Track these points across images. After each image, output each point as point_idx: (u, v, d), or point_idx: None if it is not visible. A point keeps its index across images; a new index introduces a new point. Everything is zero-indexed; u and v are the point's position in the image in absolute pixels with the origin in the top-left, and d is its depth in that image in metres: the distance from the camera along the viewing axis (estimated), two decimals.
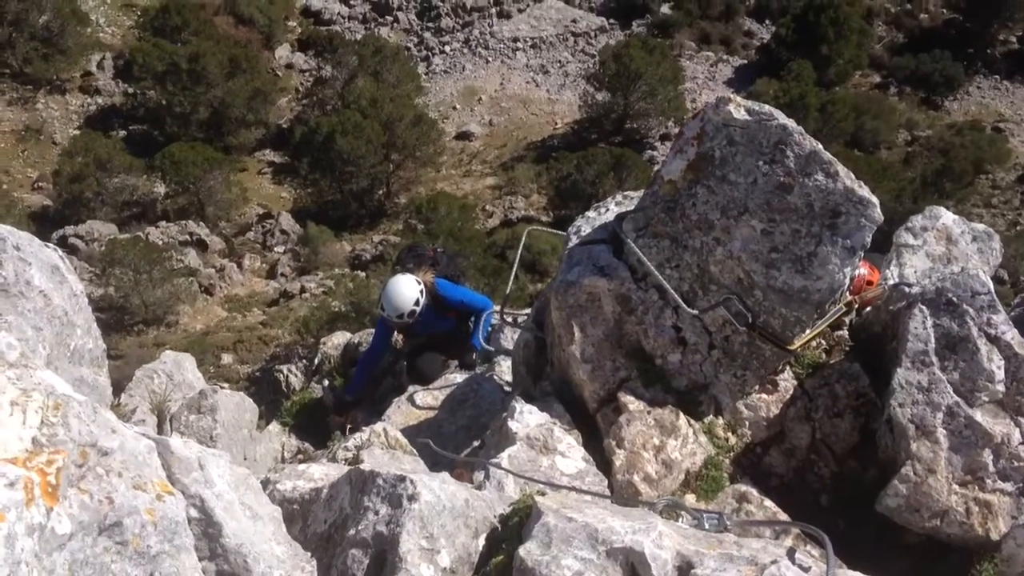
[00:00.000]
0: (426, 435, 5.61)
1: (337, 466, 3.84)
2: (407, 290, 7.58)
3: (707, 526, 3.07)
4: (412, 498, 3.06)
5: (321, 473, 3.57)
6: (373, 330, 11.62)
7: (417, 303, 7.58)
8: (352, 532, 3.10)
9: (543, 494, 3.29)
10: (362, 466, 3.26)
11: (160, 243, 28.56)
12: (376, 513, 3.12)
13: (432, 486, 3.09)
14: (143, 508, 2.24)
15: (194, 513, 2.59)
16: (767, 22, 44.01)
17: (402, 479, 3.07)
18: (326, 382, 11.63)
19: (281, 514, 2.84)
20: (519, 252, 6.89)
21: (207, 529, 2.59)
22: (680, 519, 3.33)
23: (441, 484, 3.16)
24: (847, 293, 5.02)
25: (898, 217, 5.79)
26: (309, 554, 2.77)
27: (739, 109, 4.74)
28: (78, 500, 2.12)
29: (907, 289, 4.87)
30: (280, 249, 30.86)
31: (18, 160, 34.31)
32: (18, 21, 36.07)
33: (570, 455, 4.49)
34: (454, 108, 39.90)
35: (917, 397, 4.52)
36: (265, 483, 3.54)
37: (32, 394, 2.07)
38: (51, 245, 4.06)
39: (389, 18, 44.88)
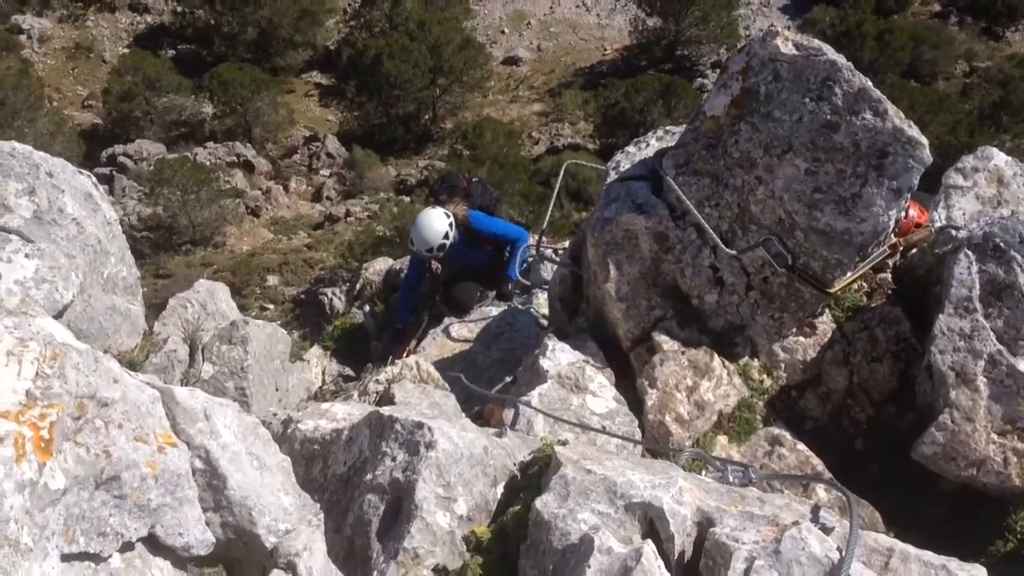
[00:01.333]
0: (460, 368, 5.61)
1: (360, 406, 3.83)
2: (437, 223, 7.57)
3: (731, 479, 3.03)
4: (429, 445, 3.05)
5: (344, 413, 3.57)
6: None
7: (447, 236, 7.58)
8: (369, 477, 3.09)
9: (564, 443, 3.27)
10: (382, 410, 3.24)
11: (207, 164, 28.73)
12: (394, 459, 3.13)
13: (450, 434, 3.07)
14: (143, 461, 2.23)
15: (199, 464, 2.57)
16: None
17: (420, 426, 3.05)
18: (367, 307, 11.71)
19: (291, 464, 2.84)
20: (557, 188, 6.79)
21: (212, 480, 2.59)
22: (704, 471, 3.29)
23: (460, 432, 3.14)
24: (892, 235, 4.89)
25: (953, 151, 5.62)
26: (318, 506, 2.77)
27: (787, 43, 4.58)
28: (74, 454, 2.11)
29: (954, 232, 4.74)
30: (326, 172, 30.90)
31: (69, 78, 34.55)
32: None
33: (601, 394, 4.46)
34: (502, 32, 39.35)
35: (959, 344, 4.42)
36: (287, 421, 3.55)
37: (29, 344, 2.05)
38: (85, 172, 4.05)
39: None
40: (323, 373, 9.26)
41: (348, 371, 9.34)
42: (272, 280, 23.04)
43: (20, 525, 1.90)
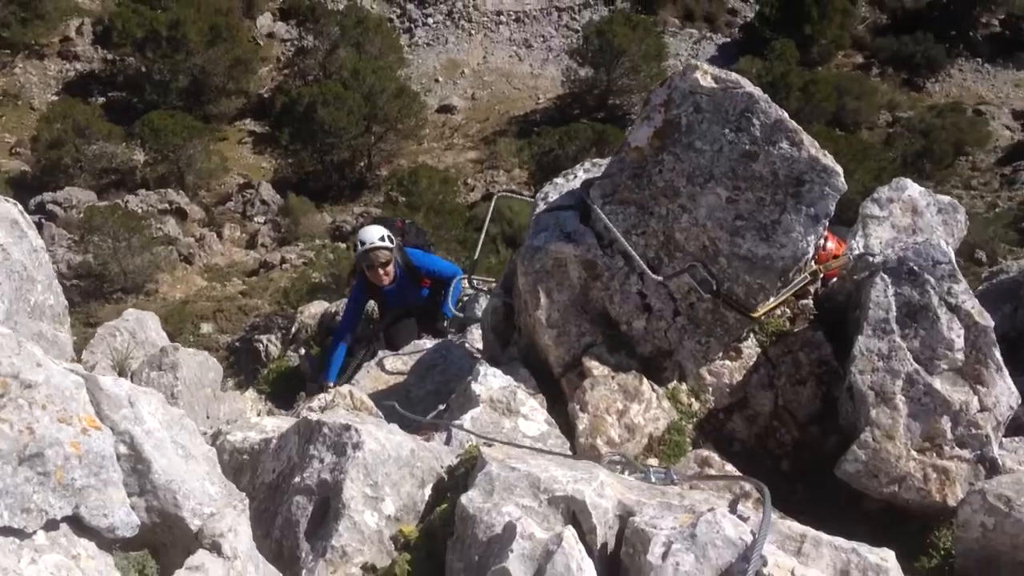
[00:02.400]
0: (394, 398, 5.63)
1: (289, 419, 3.85)
2: (378, 226, 7.89)
3: (653, 479, 3.11)
4: (357, 446, 3.08)
5: (273, 425, 3.59)
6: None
7: (390, 239, 7.78)
8: (297, 479, 3.12)
9: (490, 446, 3.33)
10: (309, 415, 3.28)
11: (139, 211, 28.41)
12: (321, 461, 3.15)
13: (378, 435, 3.12)
14: (67, 441, 2.24)
15: (123, 449, 2.59)
16: (751, 0, 43.95)
17: (347, 428, 3.10)
18: (303, 350, 11.66)
19: (217, 456, 2.86)
20: (489, 214, 6.94)
21: (136, 465, 2.60)
22: (629, 474, 3.36)
23: (387, 434, 3.19)
24: (812, 262, 5.06)
25: None
26: (243, 495, 2.78)
27: (706, 76, 4.75)
28: None
29: (871, 258, 4.91)
30: (260, 219, 30.75)
31: None
32: None
33: (533, 417, 4.52)
34: (436, 81, 39.76)
35: (877, 364, 4.56)
36: (216, 435, 3.55)
37: None
38: (10, 200, 4.04)
39: None
40: (257, 415, 9.20)
41: (283, 414, 9.28)
42: (206, 328, 22.77)
43: None
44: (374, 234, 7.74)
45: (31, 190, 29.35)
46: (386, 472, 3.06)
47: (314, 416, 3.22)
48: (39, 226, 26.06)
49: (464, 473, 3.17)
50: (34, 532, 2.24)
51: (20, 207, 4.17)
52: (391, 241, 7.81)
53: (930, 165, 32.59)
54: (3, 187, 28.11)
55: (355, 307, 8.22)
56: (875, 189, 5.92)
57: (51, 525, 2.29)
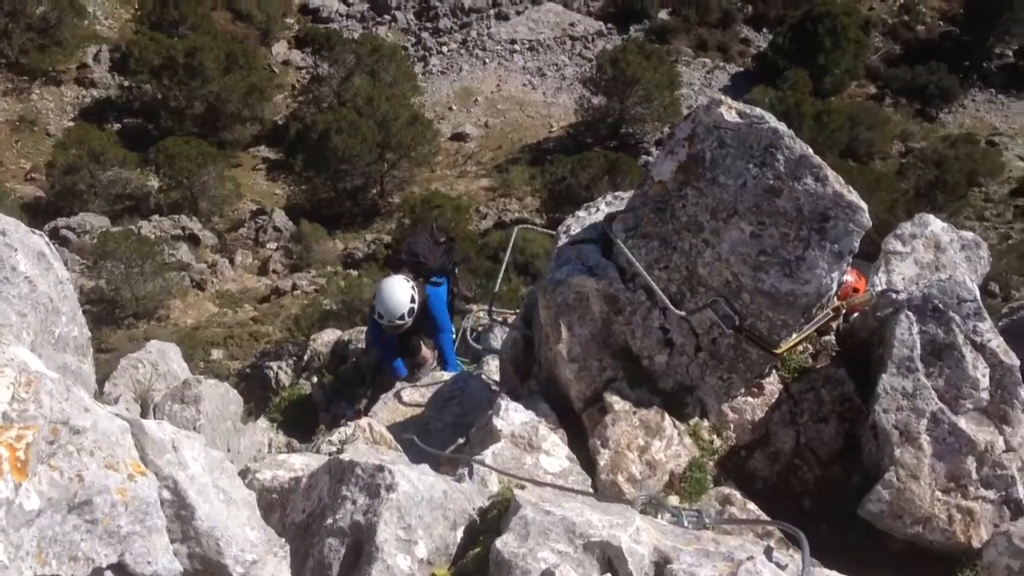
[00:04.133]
0: (412, 432, 5.61)
1: (318, 457, 3.83)
2: (401, 295, 7.59)
3: (686, 523, 3.07)
4: (390, 488, 3.04)
5: (301, 463, 3.56)
6: (364, 328, 11.63)
7: (412, 303, 7.60)
8: (330, 521, 3.09)
9: (523, 487, 3.29)
10: (342, 456, 3.25)
11: (152, 237, 28.51)
12: (354, 503, 3.12)
13: (411, 477, 3.08)
14: (114, 487, 2.22)
15: (167, 495, 2.57)
16: (764, 30, 44.14)
17: (381, 469, 3.06)
18: (315, 379, 11.64)
19: (255, 499, 2.83)
20: (510, 248, 6.89)
21: (179, 511, 2.57)
22: (660, 516, 3.32)
23: (420, 475, 3.15)
24: (834, 298, 5.02)
25: (891, 229, 5.79)
26: (283, 540, 2.75)
27: (730, 111, 4.74)
28: (48, 476, 2.11)
29: (894, 295, 4.87)
30: (272, 246, 30.84)
31: (12, 151, 34.30)
32: (15, 11, 36.09)
33: (554, 453, 4.49)
34: (450, 109, 39.93)
35: (902, 403, 4.52)
36: (244, 472, 3.52)
37: (4, 369, 2.06)
38: (38, 232, 4.05)
39: (387, 17, 44.92)
40: (269, 444, 9.17)
41: (295, 443, 9.25)
42: (217, 354, 22.77)
43: None
44: (395, 311, 7.58)
45: (46, 215, 29.51)
46: (419, 514, 3.02)
47: (346, 456, 3.19)
48: None
49: (497, 515, 3.13)
50: None
51: (47, 238, 4.18)
52: (411, 315, 7.64)
53: (943, 196, 32.50)
54: (18, 212, 28.23)
55: (384, 337, 8.10)
56: (897, 224, 5.90)
57: (96, 573, 2.27)
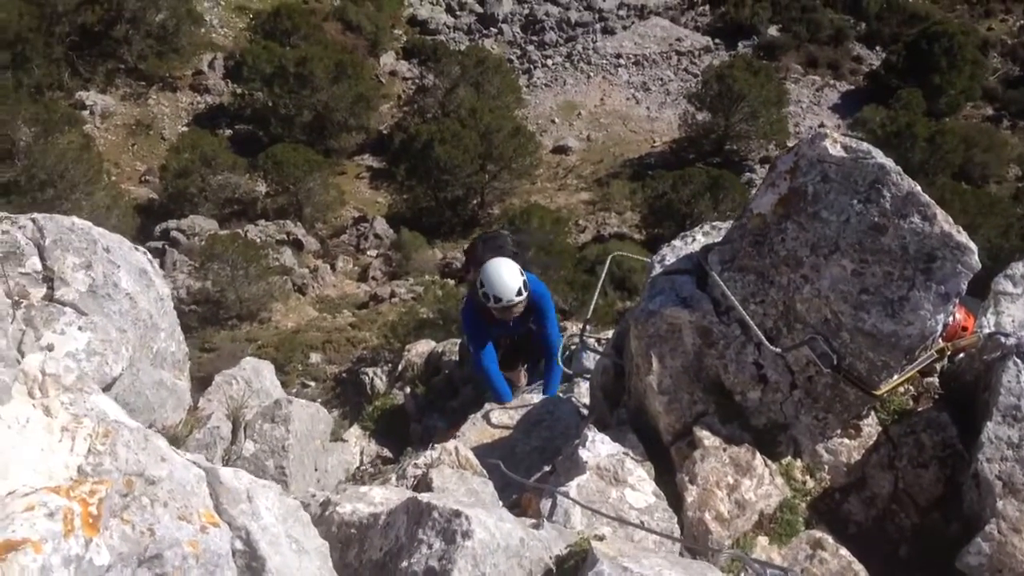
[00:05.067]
0: (499, 455, 5.59)
1: (398, 490, 3.83)
2: (511, 271, 7.27)
3: None
4: (466, 535, 3.01)
5: (381, 497, 3.57)
6: (458, 340, 11.68)
7: (526, 285, 7.27)
8: (405, 564, 3.07)
9: (601, 538, 3.24)
10: (420, 496, 3.24)
11: (258, 241, 29.19)
12: (430, 547, 3.09)
13: (487, 523, 3.05)
14: (185, 540, 2.24)
15: (239, 545, 2.57)
16: (877, 48, 43.09)
17: (457, 514, 3.03)
18: (408, 389, 11.77)
19: (333, 539, 2.83)
20: (602, 278, 6.79)
21: (251, 563, 2.58)
22: (744, 573, 3.23)
23: (497, 522, 3.11)
24: (939, 339, 4.84)
25: (1004, 255, 5.59)
26: None
27: (835, 145, 4.61)
28: (119, 531, 2.12)
29: (1003, 339, 4.68)
30: (373, 253, 31.28)
31: (128, 153, 35.56)
32: (135, 19, 37.38)
33: (640, 488, 4.42)
34: (553, 122, 39.99)
35: (1006, 453, 4.33)
36: (326, 503, 3.55)
37: (83, 420, 2.10)
38: (141, 248, 4.17)
39: (494, 30, 45.30)
40: (361, 454, 9.29)
41: (386, 452, 9.36)
42: (315, 358, 23.15)
43: None
44: (511, 288, 7.20)
45: (157, 216, 30.52)
46: (494, 563, 2.99)
47: (424, 498, 3.18)
48: (162, 252, 27.13)
49: (574, 566, 3.08)
50: None
51: (149, 256, 4.30)
52: (527, 288, 7.31)
53: None
54: (131, 213, 29.36)
55: (482, 333, 7.74)
56: (1012, 256, 5.67)
57: None
